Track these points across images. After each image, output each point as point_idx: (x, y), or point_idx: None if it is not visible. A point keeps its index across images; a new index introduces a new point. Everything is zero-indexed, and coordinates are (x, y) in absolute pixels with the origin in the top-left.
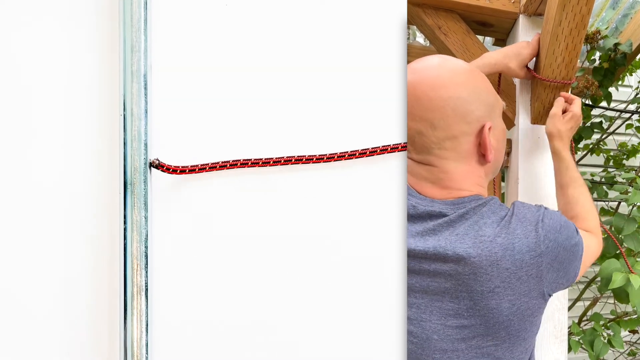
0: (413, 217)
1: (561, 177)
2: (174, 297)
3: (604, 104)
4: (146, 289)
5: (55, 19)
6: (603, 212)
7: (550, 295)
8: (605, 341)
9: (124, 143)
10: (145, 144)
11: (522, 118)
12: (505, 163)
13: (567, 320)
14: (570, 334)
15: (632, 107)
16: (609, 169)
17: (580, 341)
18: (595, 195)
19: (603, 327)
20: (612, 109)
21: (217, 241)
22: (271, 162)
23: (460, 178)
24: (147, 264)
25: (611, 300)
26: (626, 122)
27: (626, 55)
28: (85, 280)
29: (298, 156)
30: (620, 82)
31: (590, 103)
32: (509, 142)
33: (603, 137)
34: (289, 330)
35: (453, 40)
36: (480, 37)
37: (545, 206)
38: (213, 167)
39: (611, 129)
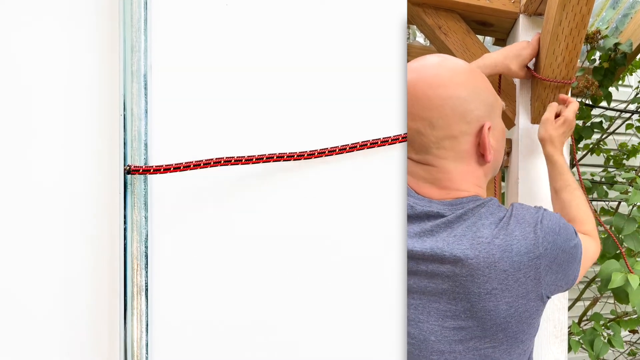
0: (411, 217)
1: (555, 182)
2: (174, 297)
3: (604, 103)
4: (146, 289)
5: (55, 19)
6: (603, 212)
7: (548, 298)
8: (605, 341)
9: (124, 143)
10: (145, 144)
11: (522, 118)
12: (505, 163)
13: (567, 320)
14: (570, 333)
15: (632, 107)
16: (609, 169)
17: (580, 341)
18: (595, 195)
19: (603, 327)
20: (612, 109)
21: (217, 241)
22: (264, 157)
23: (459, 178)
24: (147, 264)
25: (611, 300)
26: (626, 122)
27: (626, 55)
28: (85, 280)
29: (299, 152)
30: (620, 82)
31: (591, 103)
32: (509, 142)
33: (603, 137)
34: (288, 331)
35: (453, 40)
36: (480, 37)
37: (545, 208)
38: (197, 164)
39: (611, 129)
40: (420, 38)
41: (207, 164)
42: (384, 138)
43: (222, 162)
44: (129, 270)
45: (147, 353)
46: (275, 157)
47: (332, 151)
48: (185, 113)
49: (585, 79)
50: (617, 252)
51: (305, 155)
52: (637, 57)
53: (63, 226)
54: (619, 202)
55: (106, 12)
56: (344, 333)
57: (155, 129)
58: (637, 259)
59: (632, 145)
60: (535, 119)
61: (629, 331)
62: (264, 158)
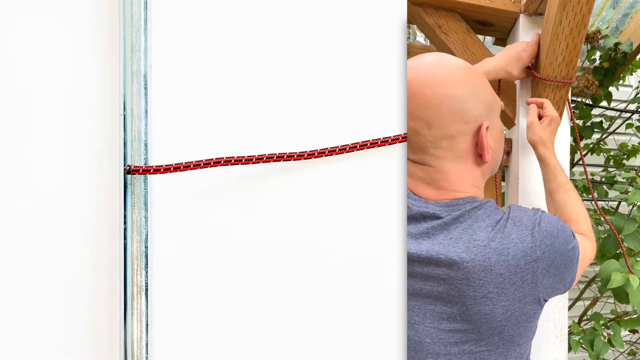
0: (407, 218)
1: (549, 184)
2: (174, 297)
3: (604, 103)
4: (146, 289)
5: (55, 19)
6: (604, 210)
7: (545, 301)
8: (605, 341)
9: (124, 143)
10: (145, 144)
11: (522, 118)
12: (505, 163)
13: (567, 320)
14: (570, 333)
15: (632, 106)
16: (609, 169)
17: (581, 341)
18: (595, 195)
19: (603, 327)
20: (613, 109)
21: (217, 241)
22: (264, 157)
23: (456, 179)
24: (147, 264)
25: (611, 300)
26: (626, 122)
27: (626, 55)
28: (85, 280)
29: (299, 152)
30: (620, 82)
31: (591, 103)
32: (509, 141)
33: (603, 136)
34: (288, 331)
35: (453, 39)
36: (480, 37)
37: (543, 210)
38: (197, 164)
39: (611, 129)
40: (420, 38)
41: (207, 164)
42: (384, 138)
43: (222, 162)
44: (129, 270)
45: (147, 353)
46: (275, 157)
47: (332, 151)
48: (185, 113)
49: (585, 78)
50: (617, 252)
51: (305, 155)
52: (638, 57)
53: (63, 226)
54: (619, 202)
55: (106, 12)
56: (344, 333)
57: (155, 129)
58: (637, 259)
59: (632, 145)
60: None
61: (629, 331)
62: (264, 158)
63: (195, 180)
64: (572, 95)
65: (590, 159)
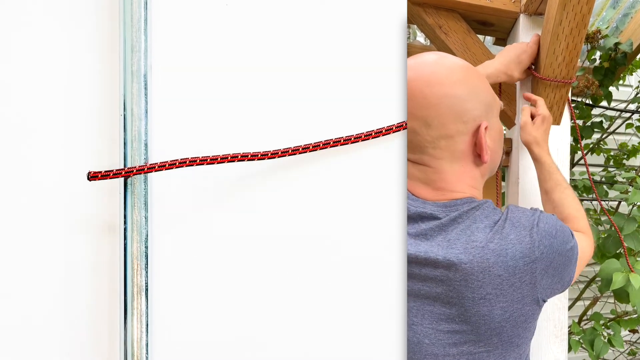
0: None
1: (545, 183)
2: (174, 297)
3: (604, 103)
4: (146, 289)
5: (55, 19)
6: (603, 212)
7: (544, 301)
8: (606, 340)
9: (124, 143)
10: (145, 144)
11: None
12: (505, 163)
13: (567, 320)
14: (570, 333)
15: (632, 106)
16: (609, 169)
17: (581, 340)
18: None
19: (603, 327)
20: (613, 109)
21: (217, 241)
22: (259, 155)
23: (454, 179)
24: (147, 264)
25: (611, 300)
26: (626, 122)
27: (626, 55)
28: (85, 280)
29: (294, 147)
30: (620, 82)
31: (591, 102)
32: (509, 141)
33: (603, 136)
34: (289, 330)
35: (454, 39)
36: (480, 37)
37: (541, 210)
38: (172, 163)
39: (611, 129)
40: (420, 37)
41: (203, 161)
42: (379, 129)
43: (219, 159)
44: (129, 270)
45: (147, 353)
46: (269, 155)
47: (326, 143)
48: (185, 113)
49: (585, 78)
50: (617, 251)
51: (300, 149)
52: (638, 57)
53: (63, 226)
54: (619, 202)
55: (106, 12)
56: (344, 332)
57: (155, 129)
58: (638, 259)
59: (632, 145)
60: None
61: (629, 331)
62: (259, 155)
63: (195, 180)
64: (572, 95)
65: (590, 159)
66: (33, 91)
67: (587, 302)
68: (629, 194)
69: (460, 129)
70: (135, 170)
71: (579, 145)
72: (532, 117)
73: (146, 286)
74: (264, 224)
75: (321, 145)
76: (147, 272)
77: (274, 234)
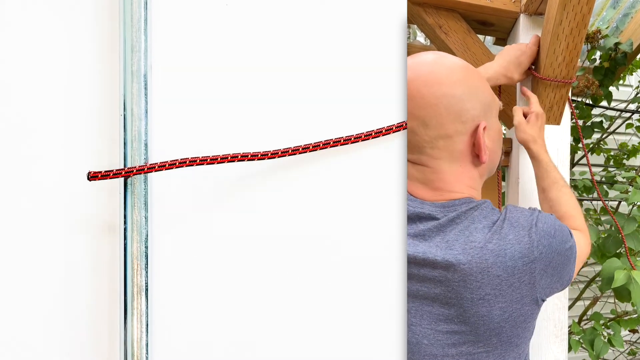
0: None
1: (542, 181)
2: (174, 297)
3: (604, 103)
4: (146, 289)
5: (55, 19)
6: (603, 211)
7: (543, 301)
8: (606, 340)
9: (124, 143)
10: (145, 144)
11: None
12: (505, 162)
13: (567, 320)
14: (570, 333)
15: (632, 106)
16: (609, 169)
17: (581, 340)
18: (595, 194)
19: (603, 327)
20: (613, 109)
21: (217, 241)
22: (259, 155)
23: (453, 179)
24: (147, 264)
25: (611, 300)
26: (626, 122)
27: (627, 55)
28: (85, 280)
29: (294, 147)
30: (620, 82)
31: (591, 102)
32: (509, 141)
33: (603, 136)
34: (289, 330)
35: (454, 39)
36: (481, 37)
37: (540, 210)
38: (172, 164)
39: (611, 129)
40: (420, 37)
41: (203, 161)
42: (379, 128)
43: (219, 159)
44: (129, 270)
45: (147, 353)
46: (269, 155)
47: (326, 143)
48: (185, 113)
49: (585, 78)
50: (617, 251)
51: (300, 149)
52: (638, 57)
53: (63, 226)
54: (619, 202)
55: (106, 12)
56: (343, 332)
57: (155, 129)
58: (638, 258)
59: (633, 145)
60: None
61: (629, 331)
62: (259, 155)
63: (195, 180)
64: (572, 95)
65: (590, 158)
66: (33, 91)
67: (587, 302)
68: (629, 193)
69: (458, 129)
70: (135, 170)
71: (579, 145)
72: (525, 115)
73: (146, 286)
74: (264, 224)
75: (321, 145)
76: (147, 272)
77: (274, 234)
